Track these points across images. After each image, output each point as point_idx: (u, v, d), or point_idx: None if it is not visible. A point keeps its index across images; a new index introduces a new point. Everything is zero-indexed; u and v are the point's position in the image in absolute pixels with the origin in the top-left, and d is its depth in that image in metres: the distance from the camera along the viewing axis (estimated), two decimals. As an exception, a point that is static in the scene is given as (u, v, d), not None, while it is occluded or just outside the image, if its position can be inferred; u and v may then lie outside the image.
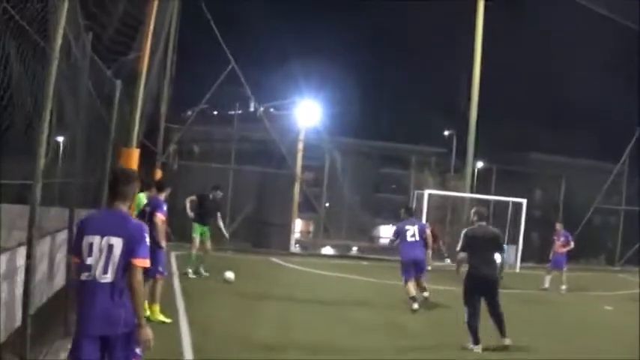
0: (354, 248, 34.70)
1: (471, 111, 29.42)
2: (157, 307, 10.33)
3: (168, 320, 10.23)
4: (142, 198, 12.19)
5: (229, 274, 15.35)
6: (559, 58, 40.76)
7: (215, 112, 38.92)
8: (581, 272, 26.14)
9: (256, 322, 11.00)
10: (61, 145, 9.27)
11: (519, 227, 25.49)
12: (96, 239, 4.74)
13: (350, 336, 10.68)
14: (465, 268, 10.29)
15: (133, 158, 13.66)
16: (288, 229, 27.40)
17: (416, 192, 28.02)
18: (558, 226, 19.36)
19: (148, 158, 19.90)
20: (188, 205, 16.35)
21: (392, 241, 14.49)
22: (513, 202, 27.48)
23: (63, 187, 8.56)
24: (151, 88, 16.88)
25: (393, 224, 14.42)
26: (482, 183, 31.97)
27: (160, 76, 22.82)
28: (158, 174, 21.55)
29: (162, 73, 23.35)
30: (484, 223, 10.42)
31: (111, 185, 5.07)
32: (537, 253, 28.57)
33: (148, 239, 4.85)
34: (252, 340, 9.60)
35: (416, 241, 13.86)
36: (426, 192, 26.22)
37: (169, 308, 10.89)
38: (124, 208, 4.98)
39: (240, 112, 32.56)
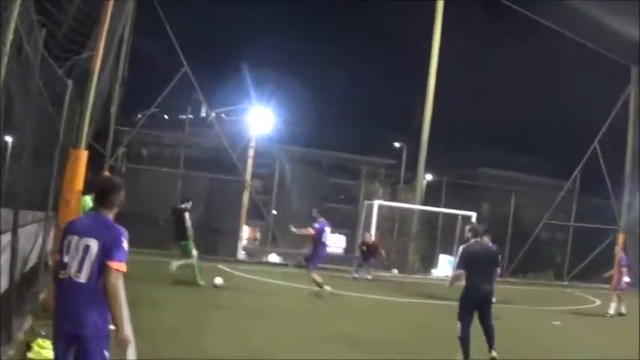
0: (301, 257, 34.52)
1: (423, 123, 29.64)
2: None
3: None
4: (88, 201, 11.92)
5: (218, 280, 16.12)
6: (512, 76, 41.20)
7: (166, 116, 38.45)
8: (530, 287, 26.54)
9: (205, 331, 10.81)
10: (9, 144, 8.93)
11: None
12: (74, 239, 4.83)
13: (303, 346, 10.55)
14: (459, 283, 10.21)
15: (82, 160, 13.28)
16: (235, 236, 27.18)
17: (365, 202, 27.96)
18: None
19: (95, 160, 19.47)
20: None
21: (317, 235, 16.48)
22: (462, 215, 27.68)
23: (7, 188, 8.23)
24: (102, 89, 16.50)
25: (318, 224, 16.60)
26: (432, 195, 32.12)
27: (112, 78, 22.36)
28: (106, 177, 21.10)
29: (114, 74, 22.88)
30: (479, 239, 10.38)
31: (98, 193, 5.11)
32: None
33: (126, 245, 4.87)
34: (201, 350, 9.40)
35: (326, 242, 16.62)
36: (376, 202, 26.28)
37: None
38: (109, 215, 5.04)
39: (191, 116, 32.21)
